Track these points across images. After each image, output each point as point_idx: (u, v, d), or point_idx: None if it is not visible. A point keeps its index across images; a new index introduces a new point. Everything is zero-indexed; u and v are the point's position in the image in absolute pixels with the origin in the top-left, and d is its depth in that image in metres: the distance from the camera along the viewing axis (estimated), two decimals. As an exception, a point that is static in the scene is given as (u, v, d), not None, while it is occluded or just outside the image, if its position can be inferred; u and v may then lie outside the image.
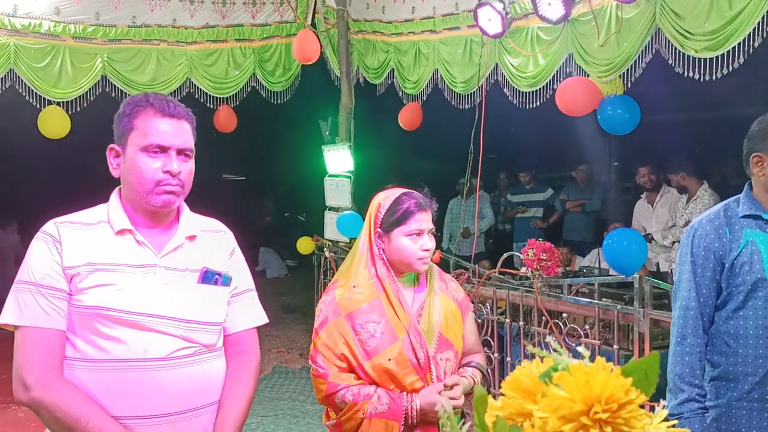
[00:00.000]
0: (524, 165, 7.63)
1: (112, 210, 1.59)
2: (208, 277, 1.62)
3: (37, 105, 5.16)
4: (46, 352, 1.46)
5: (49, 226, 1.55)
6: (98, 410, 1.44)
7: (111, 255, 1.53)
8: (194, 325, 1.57)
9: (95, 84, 5.30)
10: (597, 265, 4.93)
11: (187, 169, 1.59)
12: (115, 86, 5.36)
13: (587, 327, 3.50)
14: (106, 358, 1.48)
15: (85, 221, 1.58)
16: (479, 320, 4.09)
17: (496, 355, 4.04)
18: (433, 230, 2.02)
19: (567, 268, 6.10)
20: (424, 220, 1.98)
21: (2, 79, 4.98)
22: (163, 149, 1.54)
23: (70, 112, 5.28)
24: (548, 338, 0.65)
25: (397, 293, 1.96)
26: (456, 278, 4.32)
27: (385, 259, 1.99)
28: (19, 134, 6.03)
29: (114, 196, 1.63)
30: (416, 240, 1.96)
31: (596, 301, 3.56)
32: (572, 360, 0.60)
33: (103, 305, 1.48)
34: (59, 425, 1.43)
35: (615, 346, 3.39)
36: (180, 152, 1.57)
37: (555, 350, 0.64)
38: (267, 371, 5.82)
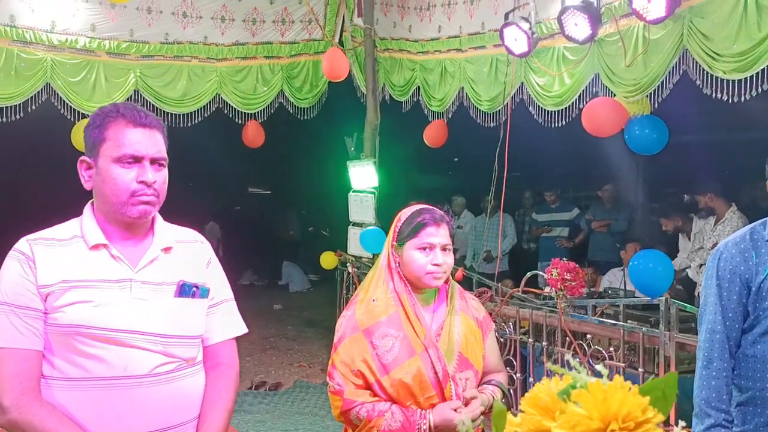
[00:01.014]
0: (550, 184, 7.59)
1: (85, 224, 1.55)
2: (185, 290, 1.59)
3: (71, 118, 5.30)
4: (22, 373, 1.43)
5: (22, 244, 1.51)
6: (77, 430, 1.42)
7: (86, 271, 1.49)
8: (173, 340, 1.54)
9: (128, 98, 5.41)
10: (622, 287, 4.87)
11: (161, 178, 1.55)
12: (147, 101, 5.48)
13: (612, 349, 3.46)
14: (85, 377, 1.45)
15: (59, 237, 1.53)
16: (501, 339, 4.06)
17: (518, 375, 4.00)
18: (449, 246, 2.00)
19: (591, 289, 6.05)
20: (436, 235, 1.96)
21: (39, 92, 5.13)
22: (136, 159, 1.51)
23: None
24: (567, 356, 0.66)
25: (414, 308, 1.96)
26: (478, 296, 4.31)
27: (401, 273, 2.00)
28: (53, 146, 6.19)
29: (87, 210, 1.58)
30: (427, 254, 1.95)
31: (621, 322, 3.52)
32: (591, 378, 0.61)
33: (80, 323, 1.45)
34: None
35: (640, 369, 3.34)
36: (153, 161, 1.53)
37: (574, 368, 0.64)
38: (288, 385, 5.83)
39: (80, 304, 1.46)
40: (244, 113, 5.86)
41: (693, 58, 3.29)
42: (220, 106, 5.73)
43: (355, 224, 5.98)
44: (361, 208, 5.84)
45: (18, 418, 1.40)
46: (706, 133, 6.13)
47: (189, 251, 1.67)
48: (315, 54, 6.00)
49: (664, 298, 3.16)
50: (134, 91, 5.43)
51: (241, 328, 1.74)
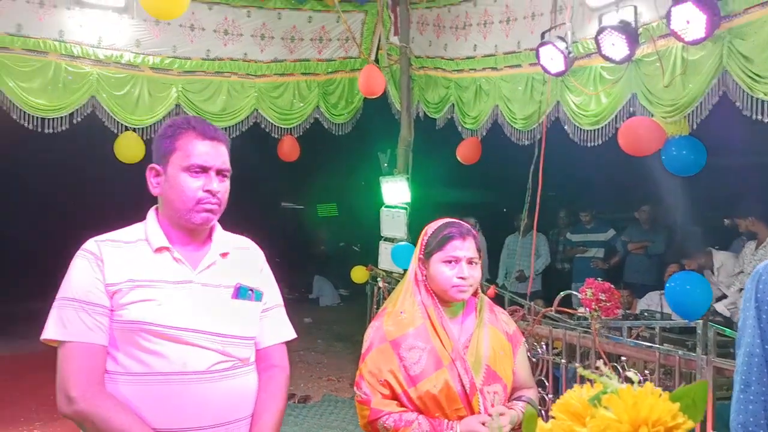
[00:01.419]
0: (585, 204, 7.51)
1: (149, 228, 1.64)
2: (242, 292, 1.67)
3: (115, 130, 5.46)
4: (89, 367, 1.50)
5: (90, 244, 1.59)
6: (139, 422, 1.47)
7: (150, 272, 1.57)
8: (231, 340, 1.61)
9: (169, 112, 5.57)
10: (659, 309, 4.77)
11: (224, 188, 1.65)
12: (187, 115, 5.62)
13: (647, 372, 3.39)
14: (146, 372, 1.52)
15: (124, 239, 1.62)
16: (534, 359, 4.02)
17: (550, 396, 3.95)
18: (475, 259, 2.00)
19: (627, 311, 5.94)
20: (462, 248, 1.98)
21: (84, 105, 5.30)
22: (203, 169, 1.60)
23: (144, 138, 5.56)
24: (598, 363, 0.67)
25: (441, 320, 1.97)
26: (510, 315, 4.28)
27: (428, 285, 2.02)
28: (97, 157, 6.38)
29: (151, 215, 1.68)
30: (453, 267, 1.97)
31: (657, 345, 3.45)
32: (622, 384, 0.62)
33: (144, 320, 1.52)
34: None
35: (674, 394, 3.27)
36: (218, 172, 1.63)
37: (605, 375, 0.65)
38: (317, 399, 5.85)
39: (144, 303, 1.54)
40: (281, 128, 5.96)
41: (732, 80, 3.25)
42: (258, 120, 5.85)
43: (386, 239, 6.00)
44: (393, 223, 5.86)
45: (85, 409, 1.46)
46: (748, 155, 6.01)
47: (244, 257, 1.75)
48: (351, 71, 6.08)
49: (701, 321, 3.10)
50: (176, 105, 5.57)
51: (291, 333, 1.81)
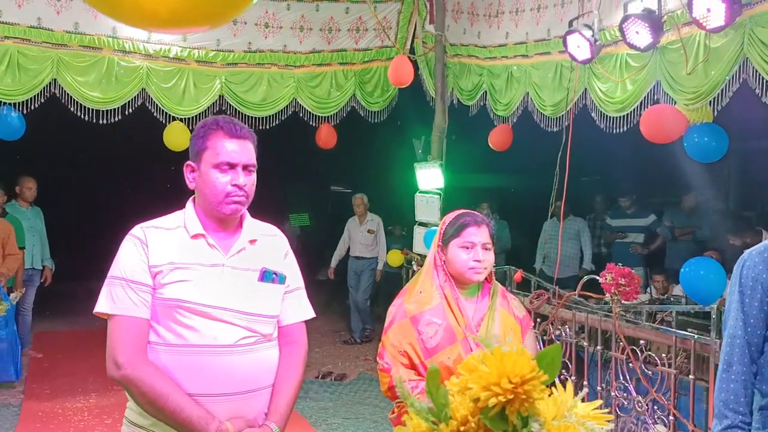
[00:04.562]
0: (622, 189, 7.46)
1: (187, 217, 1.84)
2: (267, 275, 1.85)
3: (163, 121, 5.79)
4: (135, 337, 1.70)
5: (137, 230, 1.80)
6: (177, 388, 1.68)
7: (188, 255, 1.77)
8: (255, 317, 1.80)
9: (213, 103, 5.85)
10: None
11: (250, 181, 1.83)
12: (230, 105, 5.90)
13: (671, 356, 3.47)
14: (182, 344, 1.72)
15: (165, 226, 1.82)
16: (559, 341, 4.14)
17: (573, 377, 4.06)
18: (489, 245, 2.22)
19: (663, 296, 5.95)
20: (477, 234, 2.20)
21: (135, 97, 5.63)
22: (231, 166, 1.78)
23: (190, 127, 5.87)
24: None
25: (456, 300, 2.20)
26: (536, 298, 4.41)
27: (446, 269, 2.24)
28: (147, 145, 6.75)
29: (189, 205, 1.87)
30: (469, 252, 2.19)
31: (673, 329, 3.53)
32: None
33: (180, 298, 1.72)
34: (144, 399, 1.67)
35: (691, 377, 3.35)
36: (245, 168, 1.80)
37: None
38: (353, 376, 6.11)
39: (182, 283, 1.73)
40: (318, 116, 6.18)
41: (753, 67, 3.27)
42: (296, 109, 6.08)
43: (421, 224, 6.17)
44: (427, 208, 6.02)
45: (131, 374, 1.67)
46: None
47: (270, 243, 1.94)
48: (387, 60, 6.22)
49: (715, 305, 3.17)
50: (219, 96, 5.84)
51: (310, 313, 2.00)
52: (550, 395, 0.78)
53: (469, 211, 2.32)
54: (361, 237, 7.62)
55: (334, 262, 7.87)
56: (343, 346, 7.30)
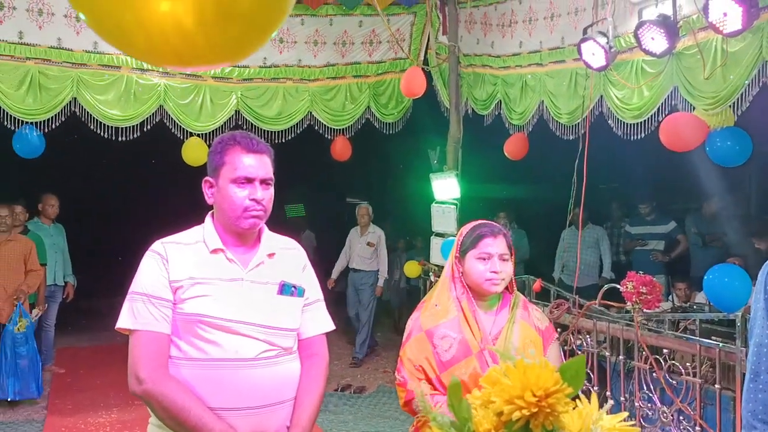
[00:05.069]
0: (643, 196, 7.37)
1: (206, 231, 1.85)
2: (286, 289, 1.86)
3: (180, 137, 5.84)
4: (156, 352, 1.71)
5: (157, 246, 1.82)
6: (198, 402, 1.68)
7: (207, 270, 1.78)
8: (275, 331, 1.81)
9: (230, 118, 5.90)
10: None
11: (268, 195, 1.83)
12: (246, 120, 5.95)
13: (695, 365, 3.41)
14: (204, 358, 1.72)
15: (185, 241, 1.84)
16: (580, 351, 4.09)
17: (596, 388, 4.00)
18: (506, 256, 2.19)
19: (686, 304, 5.85)
20: (493, 245, 2.17)
21: (153, 114, 5.70)
22: (249, 180, 1.79)
23: (207, 143, 5.93)
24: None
25: (473, 313, 2.16)
26: (556, 308, 4.36)
27: (463, 281, 2.21)
28: (165, 161, 6.81)
29: (208, 219, 1.89)
30: (486, 263, 2.16)
31: (697, 338, 3.47)
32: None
33: (201, 312, 1.73)
34: (166, 414, 1.67)
35: (716, 386, 3.28)
36: (262, 182, 1.81)
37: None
38: (372, 389, 6.08)
39: (202, 298, 1.74)
40: (333, 129, 6.21)
41: (772, 70, 3.23)
42: (312, 123, 6.11)
43: (437, 234, 6.15)
44: (443, 218, 6.01)
45: (152, 389, 1.68)
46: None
47: (289, 257, 1.95)
48: (400, 72, 6.23)
49: (740, 313, 3.11)
50: (235, 111, 5.89)
51: (330, 325, 2.00)
52: (574, 408, 0.77)
53: (486, 221, 2.30)
54: (360, 249, 7.44)
55: (335, 273, 7.68)
56: (362, 358, 7.27)
